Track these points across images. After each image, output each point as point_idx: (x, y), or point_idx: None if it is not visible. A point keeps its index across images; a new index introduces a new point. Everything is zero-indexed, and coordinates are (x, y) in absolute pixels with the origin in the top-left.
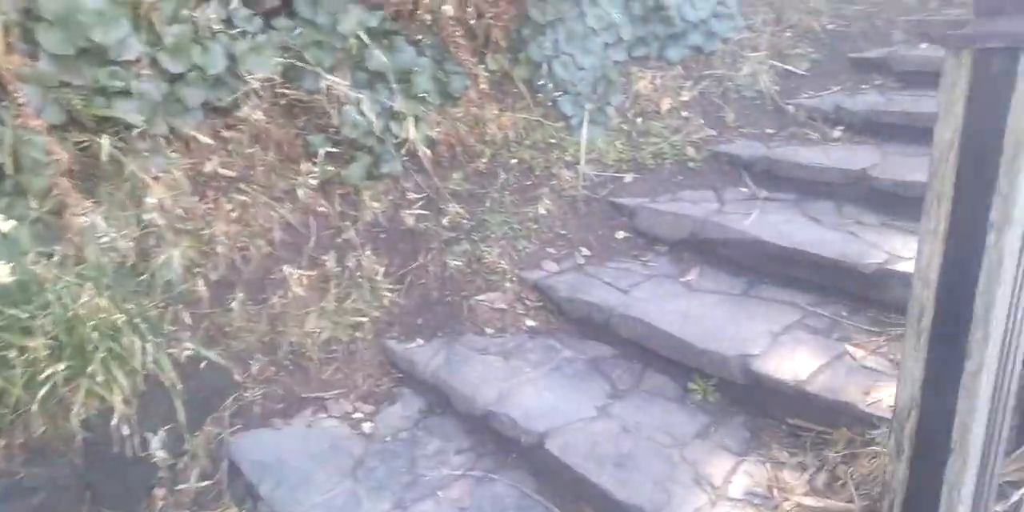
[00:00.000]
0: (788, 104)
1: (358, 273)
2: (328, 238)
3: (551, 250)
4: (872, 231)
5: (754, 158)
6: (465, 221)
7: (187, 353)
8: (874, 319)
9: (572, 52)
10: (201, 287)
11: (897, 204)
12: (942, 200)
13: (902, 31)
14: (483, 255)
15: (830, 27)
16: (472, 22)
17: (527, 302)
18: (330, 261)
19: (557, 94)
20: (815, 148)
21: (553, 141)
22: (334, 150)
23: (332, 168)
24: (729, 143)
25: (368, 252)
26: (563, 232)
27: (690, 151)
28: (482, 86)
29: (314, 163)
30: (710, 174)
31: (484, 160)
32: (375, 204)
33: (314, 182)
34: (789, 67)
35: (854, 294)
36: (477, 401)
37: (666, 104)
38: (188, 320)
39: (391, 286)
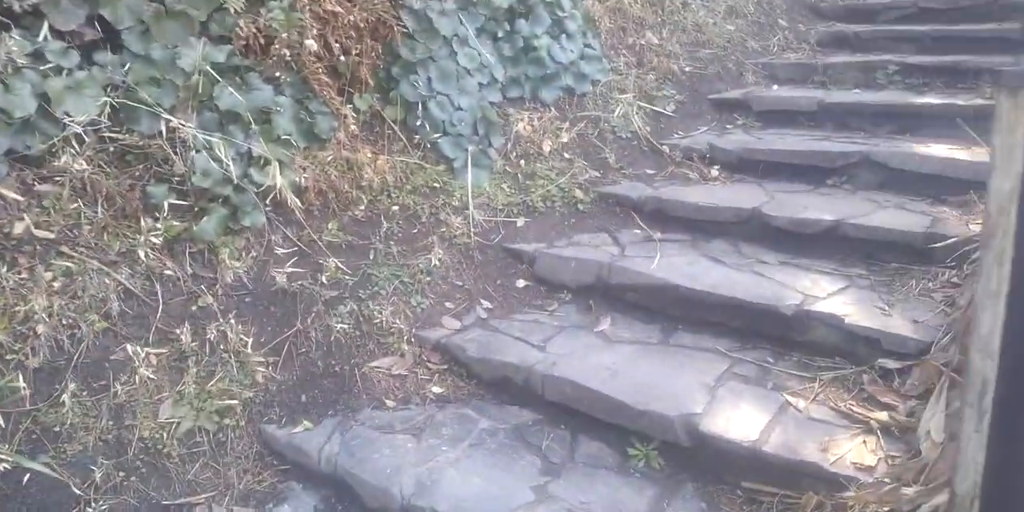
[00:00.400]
0: (663, 145)
1: (222, 346)
2: (180, 307)
3: (449, 304)
4: (777, 270)
5: (642, 199)
6: (347, 277)
7: (2, 466)
8: (801, 363)
9: (447, 92)
10: (18, 379)
11: (793, 242)
12: (1003, 258)
13: (752, 73)
14: (373, 315)
15: (688, 69)
16: (337, 59)
17: (430, 365)
18: (185, 334)
19: (436, 136)
20: (699, 187)
21: (437, 185)
22: (181, 202)
23: (180, 223)
24: (615, 184)
25: (232, 320)
26: (459, 283)
27: (578, 193)
28: (352, 127)
29: (157, 218)
30: (601, 216)
31: (362, 207)
32: (236, 263)
33: (158, 240)
34: (657, 108)
35: (774, 337)
36: (392, 493)
37: (548, 146)
38: (1, 423)
39: (265, 359)
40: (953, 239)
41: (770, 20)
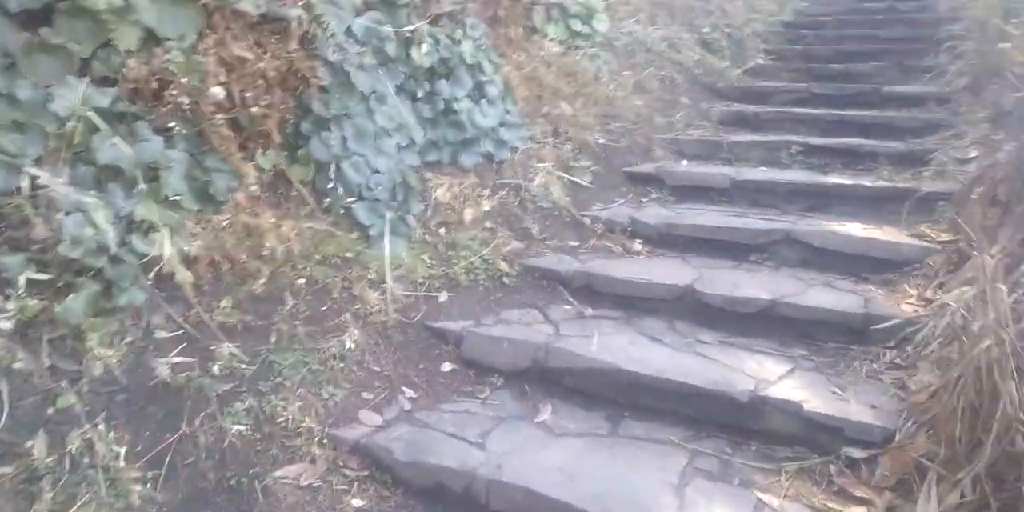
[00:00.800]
0: (584, 216)
1: (87, 460)
2: (33, 410)
3: (367, 395)
4: (718, 351)
5: (570, 273)
6: (245, 366)
7: None
8: (761, 453)
9: (364, 152)
10: None
11: (728, 321)
12: None
13: (660, 148)
14: (276, 412)
15: (602, 141)
16: (241, 110)
17: (347, 472)
18: (38, 447)
19: (350, 200)
20: (625, 261)
21: (350, 255)
22: (41, 276)
23: (38, 302)
24: (540, 256)
25: (101, 425)
26: (378, 369)
27: (503, 266)
28: (253, 188)
29: (8, 296)
30: (528, 291)
31: (262, 281)
32: (107, 351)
33: (7, 324)
34: (575, 179)
35: (729, 425)
36: None
37: (469, 214)
38: None
39: (142, 474)
40: (894, 321)
41: (673, 97)
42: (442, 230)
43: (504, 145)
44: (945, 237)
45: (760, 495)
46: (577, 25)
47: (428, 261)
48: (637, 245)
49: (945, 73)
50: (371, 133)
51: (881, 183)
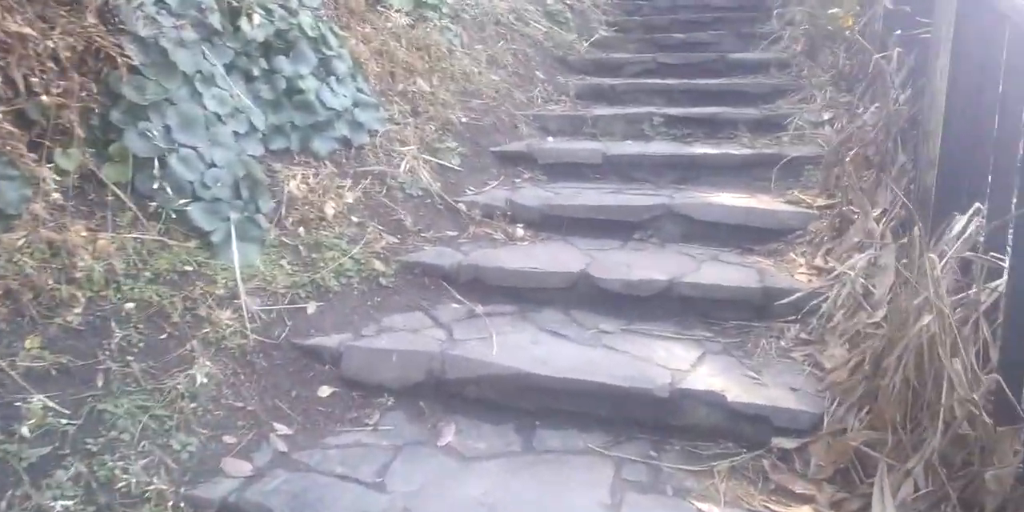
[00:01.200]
0: (459, 202)
1: None
2: None
3: (230, 439)
4: (623, 341)
5: (455, 267)
6: (66, 421)
7: None
8: (686, 453)
9: (194, 143)
10: None
11: (626, 306)
12: None
13: (525, 125)
14: (114, 476)
15: (464, 120)
16: (28, 100)
17: None
18: None
19: (183, 202)
20: (510, 249)
21: (189, 269)
22: None
23: None
24: (418, 251)
25: None
26: (240, 405)
27: (378, 265)
28: (54, 196)
29: None
30: (410, 291)
31: (78, 310)
32: None
33: None
34: (443, 162)
35: (647, 424)
36: None
37: (331, 208)
38: None
39: None
40: (797, 295)
41: (528, 72)
42: (301, 229)
43: (361, 128)
44: (821, 202)
45: (699, 505)
46: None
47: (289, 267)
48: (519, 230)
49: (780, 39)
50: (201, 120)
51: (746, 151)
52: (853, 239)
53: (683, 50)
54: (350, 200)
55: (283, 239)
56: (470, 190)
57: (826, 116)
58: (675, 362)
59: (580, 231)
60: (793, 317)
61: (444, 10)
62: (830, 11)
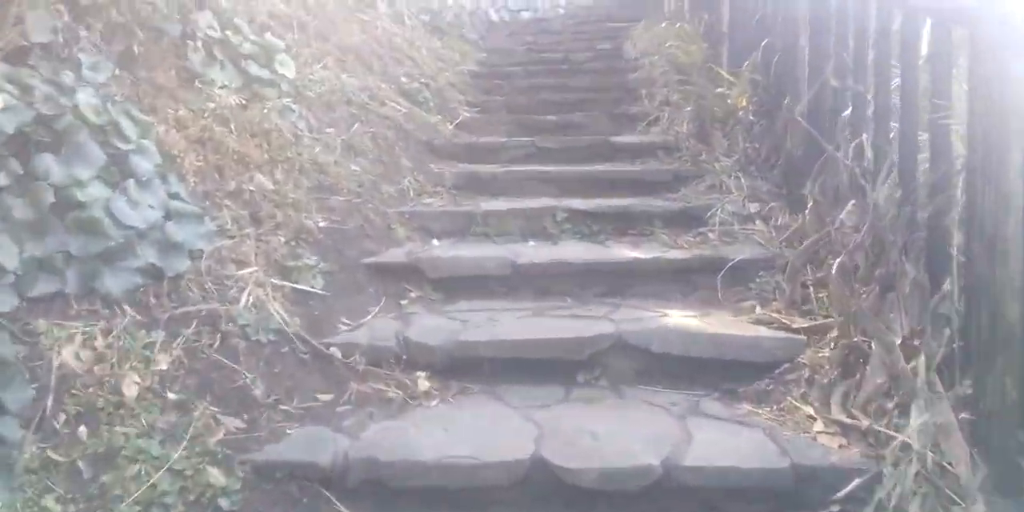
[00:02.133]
0: (330, 346)
1: None
2: None
3: None
4: None
5: (338, 463)
6: None
7: None
8: None
9: None
10: None
11: (601, 506)
12: None
13: (401, 225)
14: None
15: (323, 224)
16: None
17: None
18: None
19: None
20: (418, 418)
21: None
22: None
23: None
24: (278, 439)
25: None
26: None
27: (215, 476)
28: None
29: None
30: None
31: None
32: None
33: None
34: (301, 286)
35: None
36: None
37: (133, 385)
38: None
39: None
40: (855, 482)
41: (393, 159)
42: (83, 429)
43: (178, 250)
44: (802, 322)
45: None
46: (254, 69)
47: (59, 508)
48: (423, 382)
49: (659, 120)
50: None
51: (678, 253)
52: (876, 380)
53: (560, 133)
54: (164, 366)
55: (51, 454)
56: (344, 324)
57: (752, 208)
58: None
59: (507, 376)
60: (838, 510)
61: (284, 87)
62: (717, 90)
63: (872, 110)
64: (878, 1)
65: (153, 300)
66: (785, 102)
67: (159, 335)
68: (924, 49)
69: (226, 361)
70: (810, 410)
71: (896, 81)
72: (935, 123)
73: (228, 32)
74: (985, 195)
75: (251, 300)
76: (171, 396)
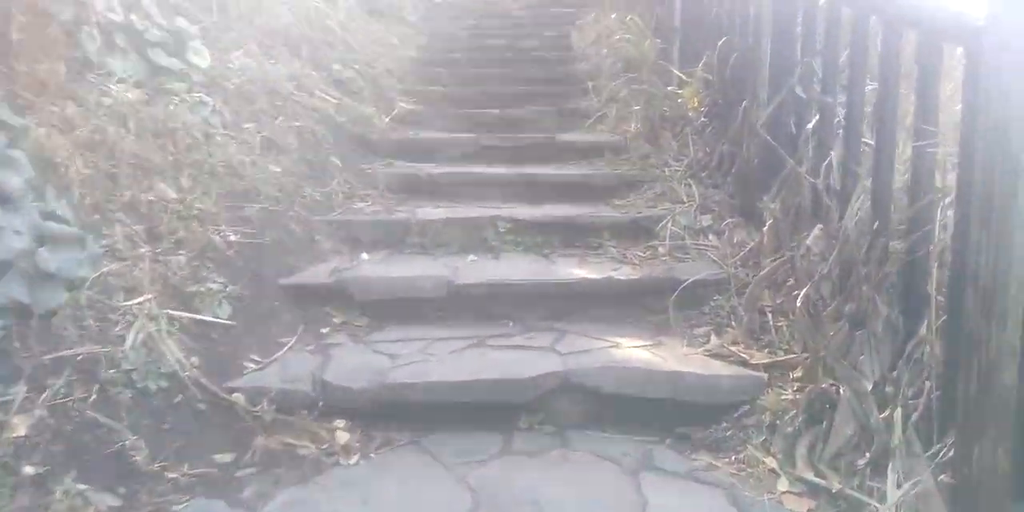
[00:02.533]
0: (235, 390)
1: None
2: None
3: None
4: None
5: None
6: None
7: None
8: None
9: None
10: None
11: None
12: None
13: (326, 236)
14: None
15: (235, 238)
16: None
17: None
18: None
19: None
20: (335, 484)
21: None
22: None
23: None
24: None
25: None
26: None
27: None
28: None
29: None
30: None
31: None
32: None
33: None
34: (203, 316)
35: None
36: None
37: None
38: None
39: None
40: None
41: (320, 157)
42: None
43: (51, 281)
44: (761, 358)
45: None
46: (162, 58)
47: None
48: (342, 434)
49: (605, 117)
50: None
51: (629, 273)
52: (845, 431)
53: (503, 129)
54: (22, 431)
55: None
56: (252, 362)
57: (704, 221)
58: None
59: (440, 424)
60: None
61: (196, 78)
62: (668, 89)
63: (842, 125)
64: (852, 6)
65: (16, 345)
66: (742, 106)
67: (19, 390)
68: (904, 65)
69: (103, 419)
70: (773, 463)
71: (871, 93)
72: (919, 148)
73: (133, 16)
74: (982, 240)
75: (140, 338)
76: (27, 470)
